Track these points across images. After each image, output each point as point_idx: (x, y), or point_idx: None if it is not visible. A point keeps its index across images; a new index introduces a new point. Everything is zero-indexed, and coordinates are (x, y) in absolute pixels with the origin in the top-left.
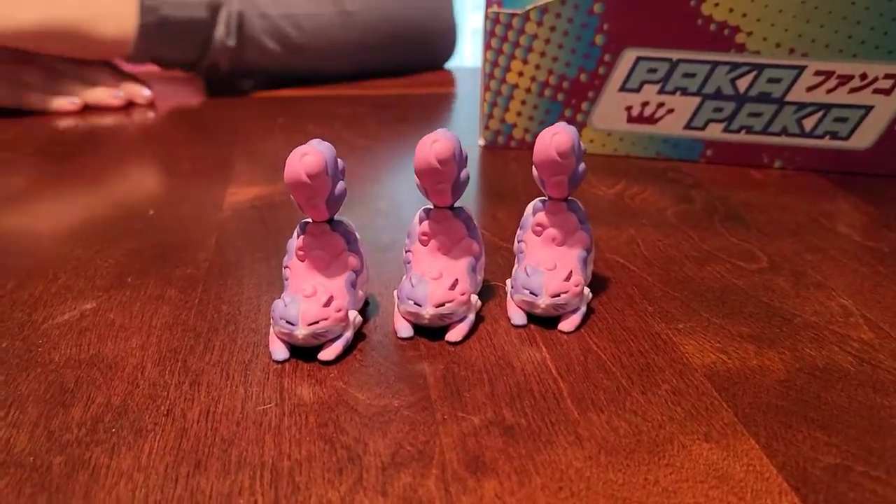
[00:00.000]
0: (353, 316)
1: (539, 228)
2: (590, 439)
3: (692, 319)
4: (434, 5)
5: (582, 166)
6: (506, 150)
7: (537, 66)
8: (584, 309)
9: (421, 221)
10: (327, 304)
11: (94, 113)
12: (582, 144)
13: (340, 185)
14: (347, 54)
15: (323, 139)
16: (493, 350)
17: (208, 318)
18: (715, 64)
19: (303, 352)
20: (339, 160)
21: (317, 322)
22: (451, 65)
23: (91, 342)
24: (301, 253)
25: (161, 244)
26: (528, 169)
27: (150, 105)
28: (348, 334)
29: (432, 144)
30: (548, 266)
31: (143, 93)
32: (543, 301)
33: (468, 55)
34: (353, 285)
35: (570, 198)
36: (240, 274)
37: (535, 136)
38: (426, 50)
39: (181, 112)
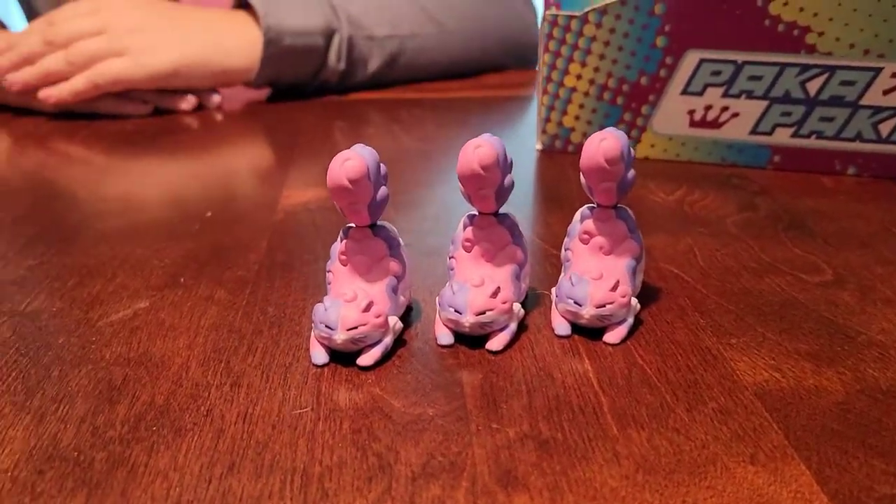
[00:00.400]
0: (394, 322)
1: (586, 236)
2: (628, 457)
3: (746, 334)
4: (524, 19)
5: (631, 173)
6: (563, 155)
7: (596, 69)
8: (631, 321)
9: (465, 227)
10: (367, 310)
11: (164, 116)
12: (632, 150)
13: (383, 191)
14: (444, 68)
15: (381, 142)
16: (534, 360)
17: (253, 319)
18: (783, 66)
19: (343, 356)
20: (381, 165)
21: (356, 327)
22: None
23: (141, 341)
24: (343, 257)
25: (215, 245)
26: None
27: (219, 108)
28: (388, 340)
29: (475, 150)
30: (594, 275)
31: (213, 98)
32: (588, 311)
33: None
34: (395, 291)
35: (619, 205)
36: (288, 277)
37: None
38: (516, 59)
39: (246, 115)
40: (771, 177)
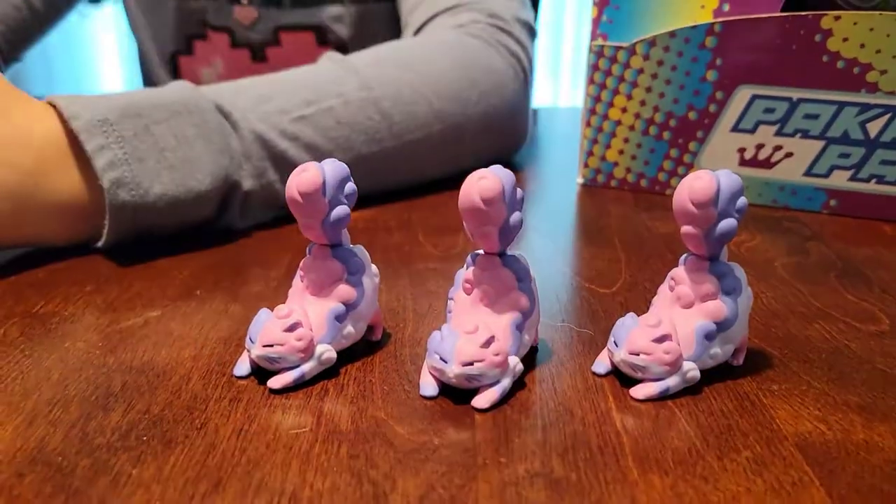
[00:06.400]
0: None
1: (468, 286)
2: None
3: (789, 381)
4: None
5: (516, 216)
6: (604, 191)
7: (642, 102)
8: (506, 384)
9: (468, 267)
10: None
11: None
12: (519, 191)
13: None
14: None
15: None
16: (553, 394)
17: None
18: (842, 105)
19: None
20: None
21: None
22: (545, 105)
23: (147, 349)
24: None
25: (238, 260)
26: (629, 210)
27: None
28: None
29: (478, 181)
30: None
31: None
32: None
33: (564, 95)
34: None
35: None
36: None
37: (638, 175)
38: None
39: None
40: (825, 221)
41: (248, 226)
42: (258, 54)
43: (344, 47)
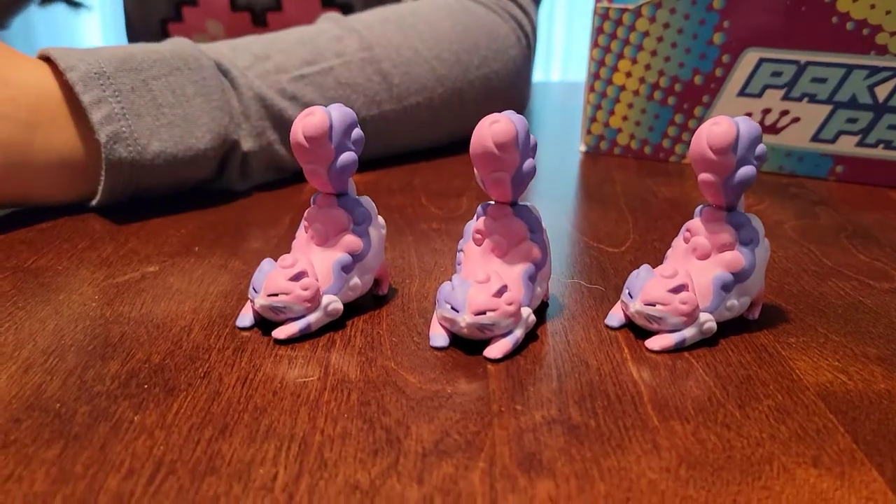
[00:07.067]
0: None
1: (479, 236)
2: (670, 449)
3: (806, 335)
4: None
5: (529, 163)
6: (608, 158)
7: (647, 67)
8: (519, 334)
9: (478, 217)
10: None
11: None
12: (532, 138)
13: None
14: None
15: None
16: (566, 346)
17: None
18: (850, 68)
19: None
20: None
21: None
22: (538, 80)
23: (145, 302)
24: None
25: (237, 220)
26: (633, 177)
27: None
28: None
29: (491, 125)
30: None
31: None
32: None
33: (556, 70)
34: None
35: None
36: None
37: (642, 142)
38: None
39: None
40: (832, 188)
41: (247, 188)
42: (259, 18)
43: (350, 9)
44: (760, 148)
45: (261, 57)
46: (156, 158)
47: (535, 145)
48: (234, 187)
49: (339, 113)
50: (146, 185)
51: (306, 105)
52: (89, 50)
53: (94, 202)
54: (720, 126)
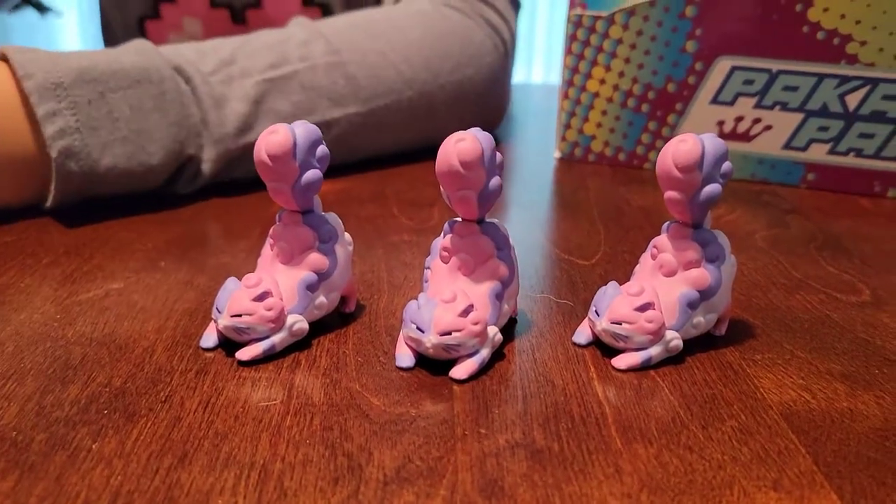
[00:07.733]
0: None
1: (445, 254)
2: (632, 474)
3: (772, 351)
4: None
5: (495, 181)
6: (583, 165)
7: (621, 74)
8: (485, 354)
9: (444, 235)
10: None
11: None
12: (498, 155)
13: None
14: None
15: None
16: (533, 365)
17: None
18: (821, 77)
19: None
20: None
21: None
22: (519, 81)
23: (108, 321)
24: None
25: (204, 232)
26: (606, 184)
27: None
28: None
29: (456, 144)
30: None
31: None
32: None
33: (537, 72)
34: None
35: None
36: None
37: (616, 149)
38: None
39: None
40: (804, 195)
41: (197, 189)
42: (238, 16)
43: (329, 10)
44: (726, 165)
45: (227, 61)
46: (107, 173)
47: (502, 163)
48: (182, 192)
49: (303, 130)
50: (97, 193)
51: (269, 109)
52: (51, 55)
53: (46, 205)
54: (686, 144)
